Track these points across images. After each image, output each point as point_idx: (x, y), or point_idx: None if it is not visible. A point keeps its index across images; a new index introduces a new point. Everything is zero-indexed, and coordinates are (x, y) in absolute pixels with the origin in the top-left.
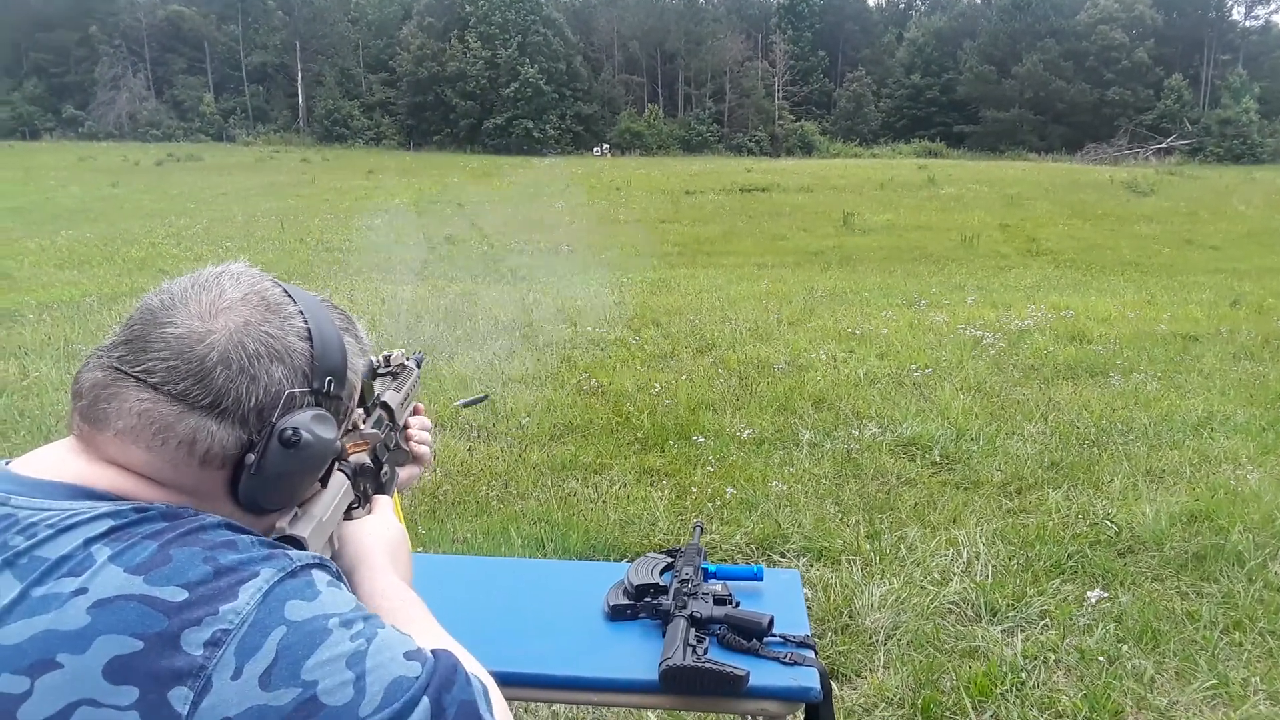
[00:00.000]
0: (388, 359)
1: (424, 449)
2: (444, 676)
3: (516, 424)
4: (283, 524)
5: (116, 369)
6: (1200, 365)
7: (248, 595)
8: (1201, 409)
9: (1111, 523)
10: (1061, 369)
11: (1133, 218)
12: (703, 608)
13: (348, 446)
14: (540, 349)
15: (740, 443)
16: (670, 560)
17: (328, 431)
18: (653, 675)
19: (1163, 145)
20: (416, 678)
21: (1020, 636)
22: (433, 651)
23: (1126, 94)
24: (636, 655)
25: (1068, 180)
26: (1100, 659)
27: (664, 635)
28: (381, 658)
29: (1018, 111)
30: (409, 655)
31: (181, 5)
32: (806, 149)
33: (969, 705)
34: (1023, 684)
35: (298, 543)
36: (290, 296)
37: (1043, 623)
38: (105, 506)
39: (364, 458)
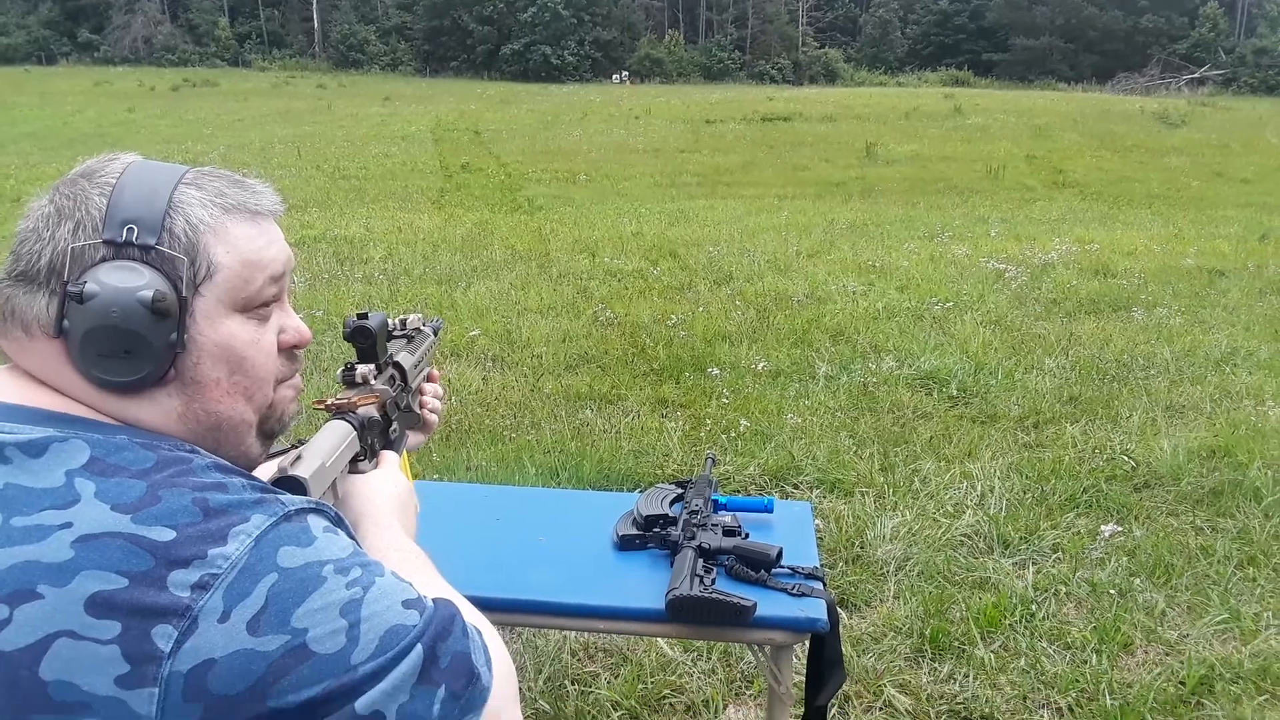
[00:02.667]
0: (404, 322)
1: (433, 416)
2: (441, 626)
3: (532, 354)
4: (284, 462)
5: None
6: (1225, 300)
7: (238, 541)
8: (1225, 344)
9: (1129, 458)
10: (1084, 303)
11: (1162, 149)
12: (711, 539)
13: (355, 398)
14: (556, 280)
15: (756, 375)
16: (681, 491)
17: (128, 280)
18: (660, 604)
19: (1196, 75)
20: (414, 626)
21: (1031, 569)
22: (433, 600)
23: (1160, 22)
24: (644, 584)
25: (1097, 110)
26: (1111, 592)
27: (672, 565)
28: (378, 605)
29: (1048, 39)
30: (407, 603)
31: None
32: (830, 77)
33: (977, 635)
34: (1032, 615)
35: (299, 484)
36: (123, 163)
37: (1055, 556)
38: (70, 432)
39: (372, 411)
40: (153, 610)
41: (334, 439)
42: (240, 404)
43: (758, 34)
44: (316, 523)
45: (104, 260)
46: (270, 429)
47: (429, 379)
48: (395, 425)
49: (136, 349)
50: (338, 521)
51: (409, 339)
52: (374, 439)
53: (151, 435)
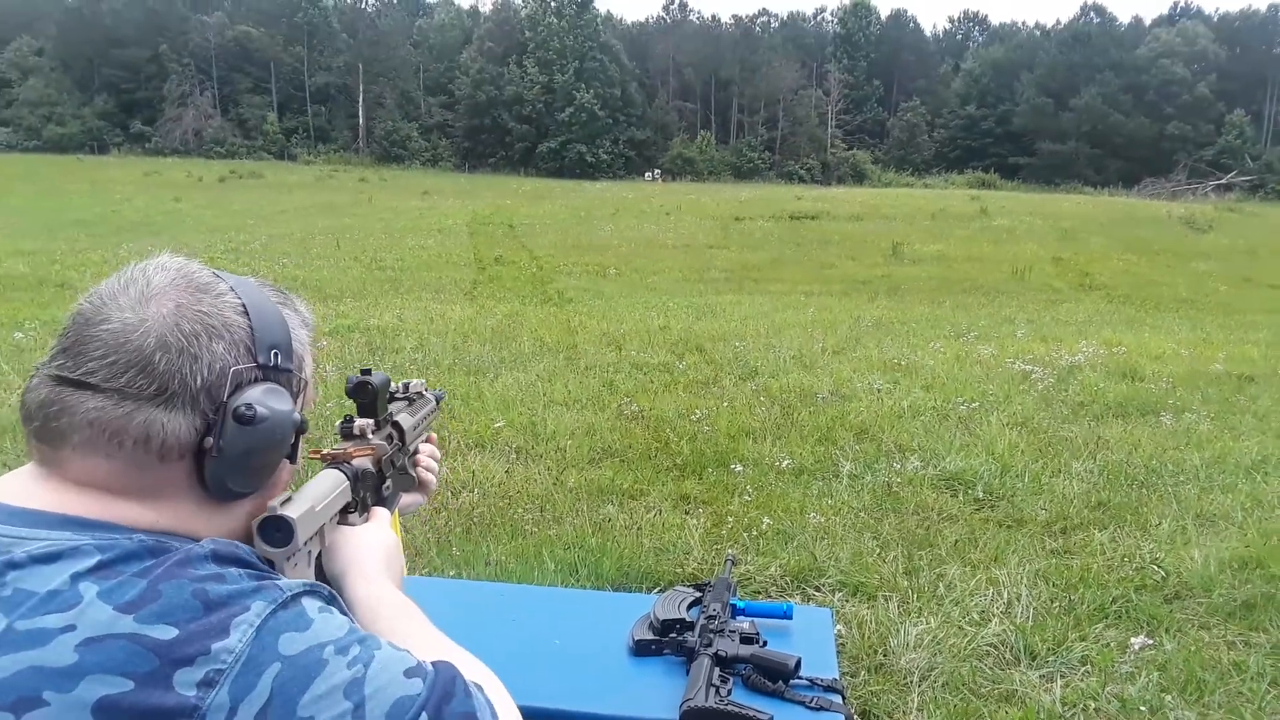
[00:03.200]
0: (407, 385)
1: (429, 476)
2: (444, 690)
3: (556, 446)
4: (274, 502)
5: (58, 379)
6: (1255, 407)
7: (240, 632)
8: (1256, 451)
9: (1159, 567)
10: (1112, 406)
11: (1190, 254)
12: (729, 646)
13: (351, 449)
14: (583, 372)
15: (779, 472)
16: (699, 595)
17: (282, 404)
18: (674, 715)
19: (1222, 181)
20: (418, 695)
21: (1060, 682)
22: (433, 664)
23: (1186, 129)
24: (658, 693)
25: (1124, 215)
26: (1142, 709)
27: (688, 673)
28: (380, 681)
29: (1074, 144)
30: (408, 672)
31: (249, 26)
32: (858, 177)
33: None
34: None
35: (287, 523)
36: (219, 277)
37: (1083, 669)
38: (87, 538)
39: (367, 464)
40: (159, 712)
41: (326, 486)
42: (281, 493)
43: (787, 135)
44: (311, 605)
45: (256, 383)
46: None
47: (427, 441)
48: (389, 482)
49: (274, 462)
50: (330, 600)
51: (410, 401)
52: (367, 493)
53: (159, 533)
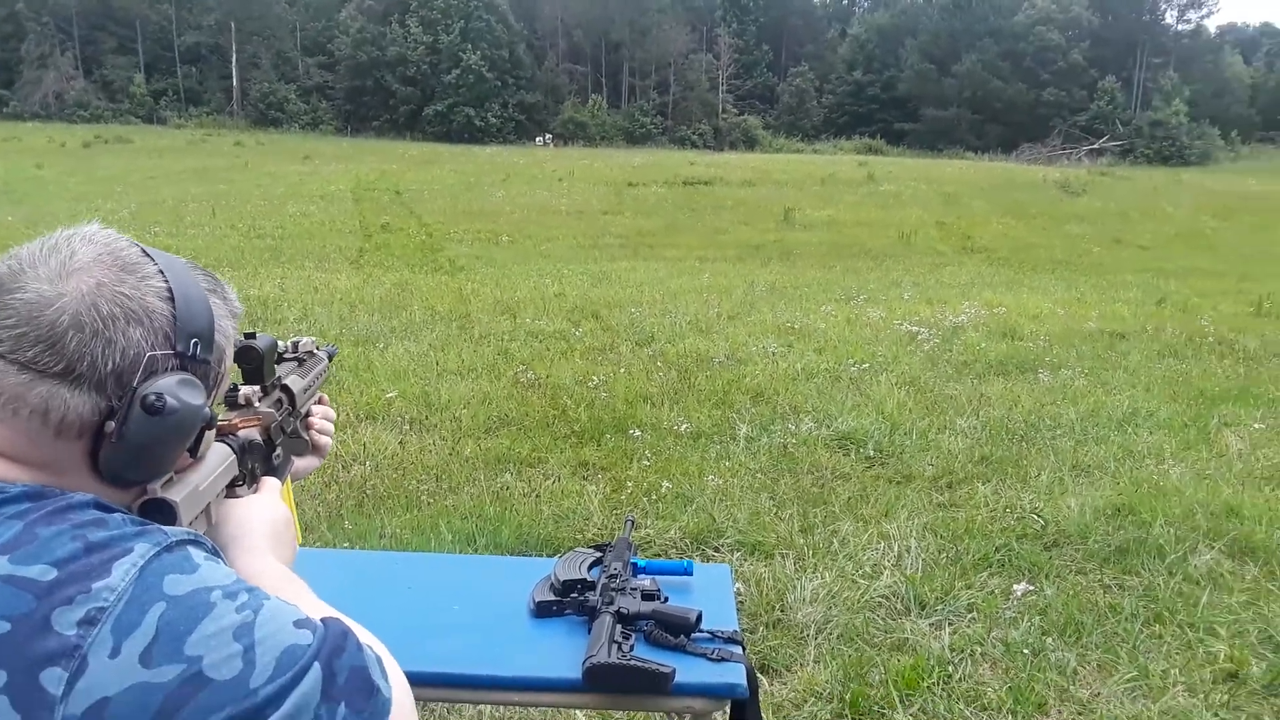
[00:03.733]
0: (296, 345)
1: (323, 439)
2: (335, 643)
3: (451, 416)
4: (154, 487)
5: None
6: (1126, 362)
7: (122, 571)
8: (1127, 405)
9: (1038, 516)
10: (993, 365)
11: (1065, 217)
12: (630, 603)
13: (237, 420)
14: (477, 341)
15: (677, 436)
16: (599, 555)
17: (195, 397)
18: (577, 673)
19: (1095, 146)
20: (308, 645)
21: (948, 630)
22: (322, 620)
23: (1061, 95)
24: (562, 653)
25: (1003, 180)
26: (1025, 652)
27: (590, 632)
28: (270, 628)
29: (956, 111)
30: (298, 623)
31: None
32: (749, 143)
33: (897, 699)
34: (949, 677)
35: (169, 506)
36: (149, 256)
37: (970, 615)
38: None
39: (254, 434)
40: (39, 654)
41: (210, 462)
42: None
43: (679, 99)
44: (197, 552)
45: (171, 371)
46: None
47: (319, 402)
48: (279, 450)
49: (174, 454)
50: (214, 553)
51: (300, 362)
52: (255, 464)
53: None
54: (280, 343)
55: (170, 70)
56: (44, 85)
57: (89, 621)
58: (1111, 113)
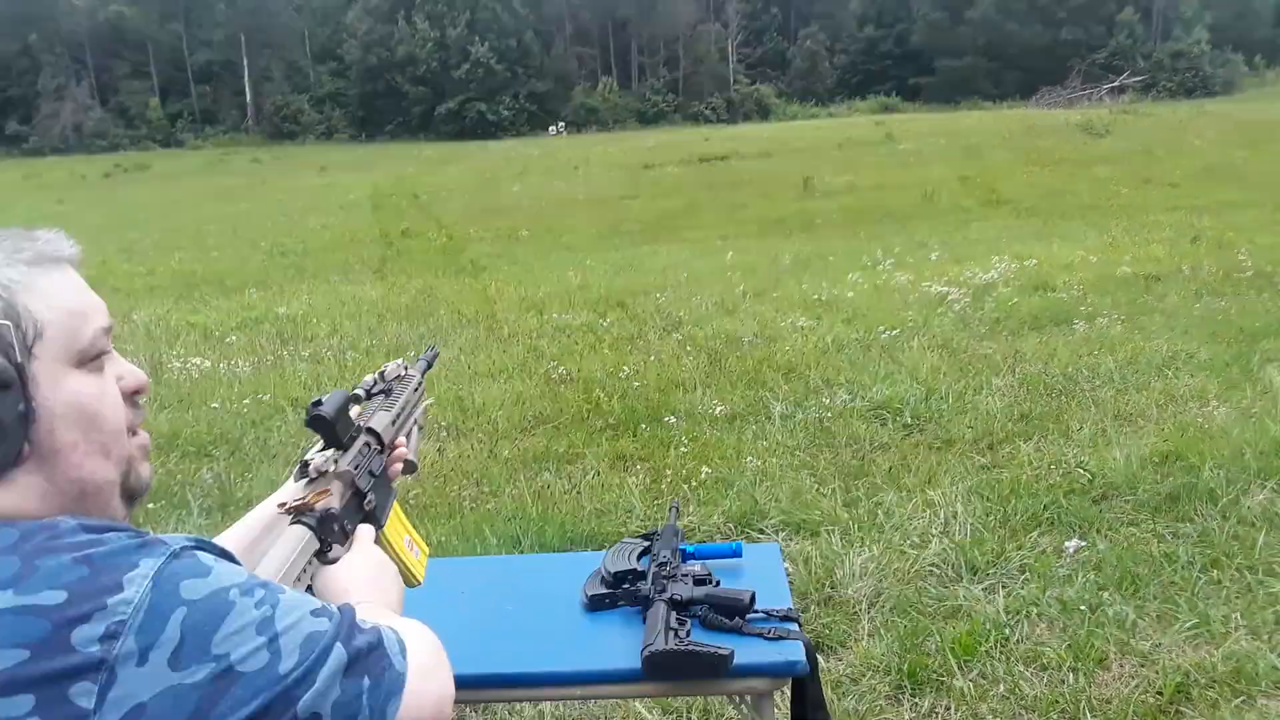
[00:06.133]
0: (383, 374)
1: (408, 460)
2: (350, 625)
3: (487, 419)
4: None
5: None
6: (1163, 305)
7: (135, 585)
8: (1166, 349)
9: (1084, 470)
10: (1026, 320)
11: (1090, 160)
12: (682, 590)
13: (309, 498)
14: (505, 340)
15: (713, 420)
16: (647, 544)
17: None
18: (635, 663)
19: (1116, 84)
20: (326, 631)
21: (1002, 593)
22: (338, 607)
23: (1078, 32)
24: (618, 644)
25: (1024, 126)
26: (1082, 608)
27: (645, 621)
28: (291, 619)
29: (971, 59)
30: (315, 612)
31: (121, 6)
32: (763, 112)
33: (955, 666)
34: (1007, 640)
35: None
36: None
37: (1023, 577)
38: None
39: (332, 501)
40: (64, 671)
41: (285, 550)
42: (101, 463)
43: (690, 75)
44: (205, 556)
45: None
46: (131, 489)
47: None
48: (370, 497)
49: None
50: (223, 554)
51: (386, 393)
52: (344, 523)
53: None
54: (368, 377)
55: (185, 91)
56: (62, 118)
57: (111, 636)
58: (1131, 47)
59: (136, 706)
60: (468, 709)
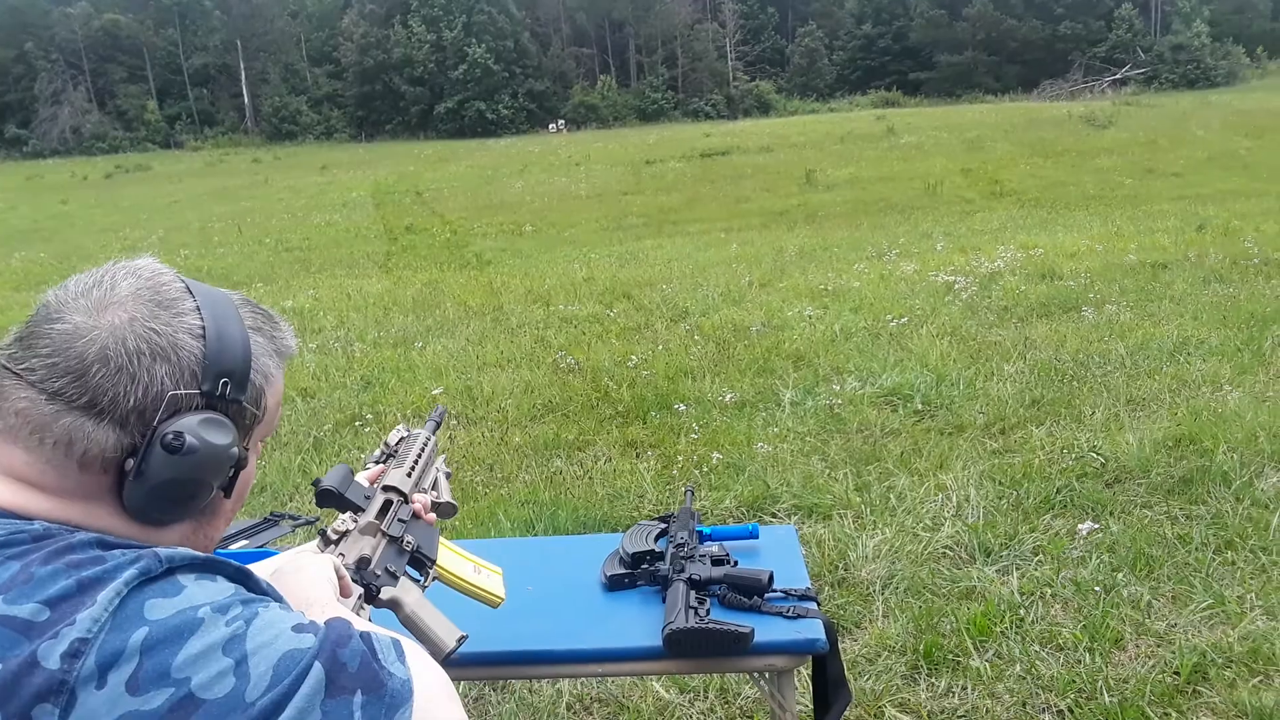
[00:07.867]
0: (387, 444)
1: (431, 516)
2: (338, 637)
3: (496, 408)
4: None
5: (3, 366)
6: (1171, 292)
7: (105, 600)
8: (1176, 335)
9: (1097, 454)
10: (1035, 307)
11: (1093, 151)
12: (701, 570)
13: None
14: (512, 331)
15: (722, 407)
16: (664, 526)
17: (220, 437)
18: (656, 641)
19: (1117, 76)
20: (309, 648)
21: (1016, 574)
22: (326, 622)
23: (1078, 27)
24: (638, 622)
25: (1025, 119)
26: (1096, 589)
27: (664, 601)
28: (264, 636)
29: (971, 54)
30: (298, 628)
31: (116, 13)
32: (763, 109)
33: (970, 646)
34: (1022, 621)
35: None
36: (191, 292)
37: (1037, 559)
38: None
39: (362, 550)
40: (30, 694)
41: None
42: (223, 527)
43: (689, 72)
44: (188, 577)
45: (195, 410)
46: None
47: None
48: (409, 539)
49: (201, 494)
50: (235, 576)
51: (390, 456)
52: (385, 568)
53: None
54: (375, 451)
55: (182, 94)
56: (60, 121)
57: (73, 655)
58: (1131, 41)
59: None
60: (486, 687)
